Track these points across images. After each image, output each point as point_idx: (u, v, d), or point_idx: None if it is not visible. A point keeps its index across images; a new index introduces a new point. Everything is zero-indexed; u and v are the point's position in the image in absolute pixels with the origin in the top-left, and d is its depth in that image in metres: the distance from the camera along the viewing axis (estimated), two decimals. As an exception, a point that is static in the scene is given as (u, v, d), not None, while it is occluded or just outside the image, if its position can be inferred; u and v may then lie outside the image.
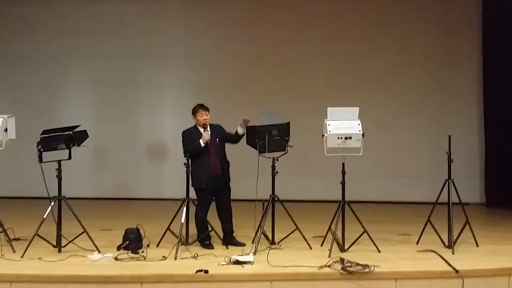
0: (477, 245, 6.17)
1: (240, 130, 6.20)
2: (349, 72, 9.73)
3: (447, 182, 6.12)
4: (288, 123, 6.16)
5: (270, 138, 5.98)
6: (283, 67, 9.79)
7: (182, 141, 6.22)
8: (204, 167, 6.10)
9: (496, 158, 9.28)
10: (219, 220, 6.29)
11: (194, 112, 6.24)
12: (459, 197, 6.09)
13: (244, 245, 6.15)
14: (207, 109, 6.24)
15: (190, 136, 6.18)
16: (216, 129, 6.28)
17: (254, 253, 5.72)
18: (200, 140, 6.09)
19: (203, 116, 6.18)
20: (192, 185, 6.16)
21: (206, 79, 9.79)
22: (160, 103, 10.05)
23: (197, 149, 6.07)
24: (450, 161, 6.12)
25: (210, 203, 6.26)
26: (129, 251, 5.81)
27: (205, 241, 6.14)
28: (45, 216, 5.85)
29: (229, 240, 6.22)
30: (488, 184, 9.41)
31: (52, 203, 5.88)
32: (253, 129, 6.08)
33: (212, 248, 6.07)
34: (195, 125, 6.27)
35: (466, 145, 9.33)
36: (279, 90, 9.66)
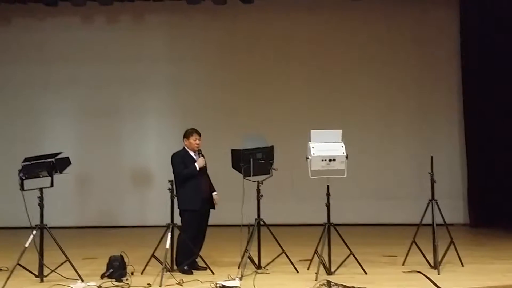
0: (462, 265, 6.20)
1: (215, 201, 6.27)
2: (333, 96, 9.85)
3: (430, 203, 6.16)
4: (272, 146, 6.18)
5: (254, 162, 5.98)
6: (267, 91, 9.89)
7: (173, 163, 6.17)
8: (197, 189, 6.09)
9: (478, 179, 9.40)
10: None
11: (188, 135, 6.22)
12: (443, 217, 6.13)
13: (205, 269, 6.08)
14: (200, 134, 6.25)
15: (182, 160, 6.16)
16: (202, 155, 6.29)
17: (241, 278, 5.66)
18: (196, 164, 6.09)
19: (196, 140, 6.19)
20: (184, 208, 6.07)
21: (189, 106, 9.83)
22: (143, 130, 10.04)
23: (193, 172, 6.07)
24: (433, 182, 6.18)
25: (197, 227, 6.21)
26: (113, 280, 5.71)
27: (184, 266, 6.05)
28: (26, 245, 5.74)
29: (191, 263, 6.15)
30: (471, 205, 9.50)
31: (34, 232, 5.78)
32: (238, 153, 6.09)
33: (191, 273, 5.99)
34: (184, 148, 6.25)
35: (449, 166, 9.45)
36: (263, 114, 9.74)
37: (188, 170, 6.08)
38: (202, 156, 6.17)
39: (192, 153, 6.19)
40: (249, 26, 9.96)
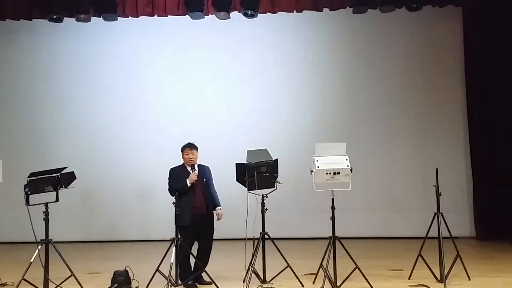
0: (469, 278, 6.16)
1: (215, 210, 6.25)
2: (338, 109, 9.85)
3: (436, 216, 6.13)
4: (277, 160, 6.18)
5: (259, 175, 5.97)
6: (273, 104, 9.90)
7: (168, 179, 6.23)
8: (188, 205, 6.06)
9: (484, 191, 9.34)
10: (195, 256, 6.18)
11: (181, 150, 6.29)
12: (449, 230, 6.10)
13: (210, 283, 6.06)
14: (194, 148, 6.27)
15: (176, 174, 6.20)
16: (205, 170, 6.30)
17: (246, 293, 5.64)
18: (187, 180, 6.09)
19: (188, 155, 6.22)
20: (176, 223, 6.02)
21: (194, 118, 9.84)
22: (147, 144, 10.03)
23: (183, 187, 6.08)
24: (438, 194, 6.15)
25: (193, 242, 6.20)
26: (118, 294, 5.70)
27: (188, 281, 6.03)
28: (32, 260, 5.74)
29: (196, 277, 6.13)
30: (477, 218, 9.43)
31: (39, 247, 5.78)
32: (242, 167, 6.08)
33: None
34: (183, 163, 6.28)
35: (454, 179, 9.41)
36: (269, 127, 9.75)
37: (178, 186, 6.07)
38: (195, 170, 6.14)
39: (189, 168, 6.20)
40: (253, 39, 10.00)
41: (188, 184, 6.08)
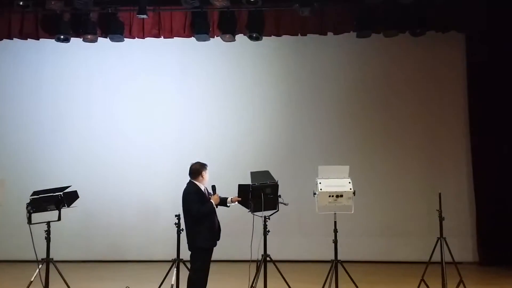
0: (472, 304, 6.11)
1: (228, 203, 6.10)
2: (340, 132, 9.86)
3: (439, 241, 6.10)
4: (277, 182, 6.08)
5: (264, 197, 5.92)
6: (275, 125, 9.92)
7: (190, 201, 5.83)
8: (215, 226, 5.88)
9: (487, 216, 9.29)
10: None
11: (203, 169, 5.98)
12: (452, 255, 6.06)
13: None
14: None
15: (199, 197, 5.88)
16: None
17: (247, 316, 5.58)
18: (213, 201, 5.88)
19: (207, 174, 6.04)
20: (200, 245, 5.78)
21: (195, 141, 9.85)
22: (149, 163, 10.03)
23: (211, 209, 5.86)
24: (441, 219, 6.14)
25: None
26: (118, 315, 5.66)
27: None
28: (32, 279, 5.72)
29: None
30: (480, 243, 9.37)
31: (40, 266, 5.76)
32: (246, 188, 6.01)
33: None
34: (193, 184, 5.95)
35: (458, 203, 9.36)
36: (269, 149, 9.76)
37: (207, 209, 5.81)
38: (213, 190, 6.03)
39: (202, 188, 5.98)
40: (256, 62, 10.09)
41: (214, 204, 5.89)
